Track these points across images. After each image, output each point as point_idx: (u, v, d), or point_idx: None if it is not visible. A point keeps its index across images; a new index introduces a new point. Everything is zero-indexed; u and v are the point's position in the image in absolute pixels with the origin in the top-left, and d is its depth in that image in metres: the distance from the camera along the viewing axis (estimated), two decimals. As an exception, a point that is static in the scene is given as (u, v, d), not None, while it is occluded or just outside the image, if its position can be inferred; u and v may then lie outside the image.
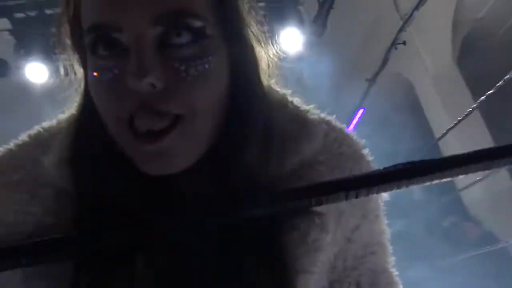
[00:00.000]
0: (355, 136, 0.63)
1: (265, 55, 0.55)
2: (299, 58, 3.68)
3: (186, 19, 0.45)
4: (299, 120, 0.56)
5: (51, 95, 0.64)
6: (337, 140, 0.59)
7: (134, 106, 0.45)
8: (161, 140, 0.45)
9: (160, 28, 0.45)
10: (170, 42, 0.45)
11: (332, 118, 0.62)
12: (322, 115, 0.61)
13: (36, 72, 3.31)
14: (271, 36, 0.56)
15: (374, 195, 0.49)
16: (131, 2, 0.43)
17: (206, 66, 0.46)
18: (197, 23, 0.46)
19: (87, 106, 0.50)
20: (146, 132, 0.45)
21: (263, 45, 0.54)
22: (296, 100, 0.60)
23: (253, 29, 0.53)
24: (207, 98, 0.47)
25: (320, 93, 4.15)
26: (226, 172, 0.50)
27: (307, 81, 4.17)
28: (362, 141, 0.63)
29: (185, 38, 0.45)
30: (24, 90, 3.51)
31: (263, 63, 0.54)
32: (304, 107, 0.60)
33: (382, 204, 0.63)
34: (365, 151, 0.62)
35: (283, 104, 0.57)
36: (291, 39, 3.52)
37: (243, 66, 0.51)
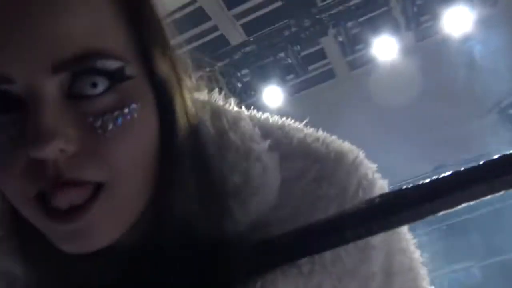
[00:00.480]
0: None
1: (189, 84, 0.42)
2: (469, 38, 3.32)
3: (96, 61, 0.34)
4: (243, 156, 0.41)
5: None
6: (316, 180, 0.43)
7: (41, 179, 0.34)
8: (80, 217, 0.34)
9: (64, 76, 0.34)
10: (79, 92, 0.35)
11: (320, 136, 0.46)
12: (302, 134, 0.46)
13: None
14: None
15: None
16: (22, 44, 0.33)
17: (129, 117, 0.35)
18: (113, 65, 0.35)
19: None
20: (66, 209, 0.35)
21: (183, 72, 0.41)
22: (247, 121, 0.44)
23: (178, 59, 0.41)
24: (133, 157, 0.36)
25: (499, 76, 3.66)
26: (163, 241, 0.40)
27: (480, 63, 3.72)
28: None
29: (98, 85, 0.34)
30: None
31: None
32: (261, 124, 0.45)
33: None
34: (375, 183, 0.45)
35: (222, 137, 0.42)
36: (459, 18, 3.19)
37: (172, 109, 0.39)
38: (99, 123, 0.34)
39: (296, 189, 0.43)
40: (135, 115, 0.35)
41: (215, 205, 0.40)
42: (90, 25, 0.34)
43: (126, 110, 0.35)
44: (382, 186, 0.45)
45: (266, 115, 0.47)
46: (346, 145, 0.46)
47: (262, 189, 0.41)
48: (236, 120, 0.43)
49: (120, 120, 0.35)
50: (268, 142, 0.43)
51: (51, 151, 0.32)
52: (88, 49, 0.34)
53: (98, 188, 0.35)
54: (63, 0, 0.34)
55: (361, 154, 0.46)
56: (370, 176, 0.44)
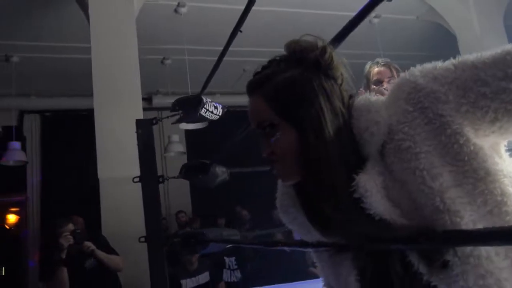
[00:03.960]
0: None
1: (328, 105, 0.80)
2: None
3: (263, 122, 0.83)
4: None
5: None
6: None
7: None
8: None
9: (260, 127, 0.85)
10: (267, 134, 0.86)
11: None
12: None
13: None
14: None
15: None
16: (249, 116, 0.87)
17: (278, 137, 0.82)
18: (268, 122, 0.83)
19: None
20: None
21: (326, 98, 0.81)
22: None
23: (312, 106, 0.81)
24: (282, 152, 0.83)
25: None
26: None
27: None
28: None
29: (267, 129, 0.83)
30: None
31: (327, 114, 0.80)
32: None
33: None
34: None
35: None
36: None
37: (303, 130, 0.81)
38: (272, 141, 0.85)
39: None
40: (280, 137, 0.82)
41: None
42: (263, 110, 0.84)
43: (276, 134, 0.82)
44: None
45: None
46: None
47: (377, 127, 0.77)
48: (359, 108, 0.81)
49: (275, 138, 0.82)
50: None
51: (265, 153, 0.85)
52: (259, 119, 0.84)
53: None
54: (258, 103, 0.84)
55: None
56: None
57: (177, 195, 5.96)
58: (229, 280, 4.55)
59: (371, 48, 4.91)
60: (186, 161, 6.20)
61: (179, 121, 2.27)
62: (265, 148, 0.83)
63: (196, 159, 2.27)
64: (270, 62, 0.86)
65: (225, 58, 1.84)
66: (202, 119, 2.19)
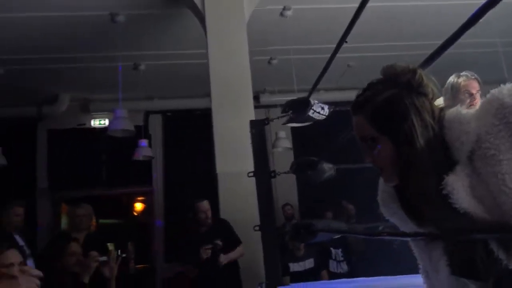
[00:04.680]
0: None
1: (420, 120, 0.97)
2: None
3: (366, 137, 1.02)
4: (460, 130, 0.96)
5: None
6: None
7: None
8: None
9: (363, 141, 1.04)
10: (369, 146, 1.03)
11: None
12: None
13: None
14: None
15: None
16: (354, 131, 1.06)
17: (378, 149, 1.01)
18: (369, 136, 1.02)
19: None
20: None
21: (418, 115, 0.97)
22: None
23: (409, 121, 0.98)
24: (383, 162, 1.02)
25: None
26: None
27: None
28: None
29: (369, 142, 1.02)
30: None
31: (418, 128, 0.96)
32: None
33: None
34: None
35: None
36: None
37: (398, 142, 0.98)
38: (374, 153, 1.04)
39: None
40: (380, 149, 1.00)
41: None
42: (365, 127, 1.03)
43: (376, 148, 1.01)
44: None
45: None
46: None
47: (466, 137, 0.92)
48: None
49: (376, 151, 1.01)
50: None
51: (367, 160, 1.08)
52: (362, 134, 1.04)
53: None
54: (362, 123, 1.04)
55: None
56: None
57: (284, 188, 6.23)
58: (335, 271, 4.73)
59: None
60: (292, 156, 6.43)
61: (289, 121, 2.49)
62: (368, 158, 1.04)
63: (304, 156, 2.47)
64: (369, 85, 1.05)
65: (329, 55, 2.00)
66: (310, 119, 2.39)
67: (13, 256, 2.14)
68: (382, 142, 1.00)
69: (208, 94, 4.08)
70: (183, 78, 6.08)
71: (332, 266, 4.74)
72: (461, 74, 2.37)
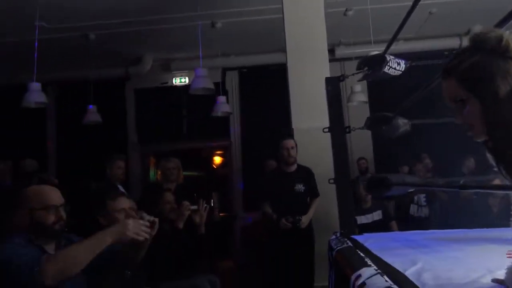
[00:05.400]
0: None
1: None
2: None
3: (455, 98, 1.13)
4: None
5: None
6: None
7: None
8: None
9: (453, 102, 1.15)
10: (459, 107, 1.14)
11: None
12: None
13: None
14: None
15: None
16: (444, 94, 1.16)
17: (467, 109, 1.12)
18: (459, 98, 1.12)
19: None
20: None
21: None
22: None
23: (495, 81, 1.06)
24: (472, 121, 1.12)
25: None
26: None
27: None
28: None
29: (459, 103, 1.13)
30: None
31: (503, 88, 1.05)
32: None
33: None
34: None
35: None
36: None
37: (485, 102, 1.08)
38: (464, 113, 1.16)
39: None
40: (469, 108, 1.11)
41: None
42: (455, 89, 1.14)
43: (466, 107, 1.12)
44: None
45: None
46: None
47: None
48: None
49: (465, 111, 1.13)
50: None
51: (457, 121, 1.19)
52: (450, 95, 1.15)
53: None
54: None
55: None
56: None
57: (360, 142, 6.22)
58: (415, 215, 4.78)
59: None
60: (368, 111, 6.38)
61: (364, 78, 2.52)
62: (458, 118, 1.16)
63: (379, 112, 2.51)
64: (457, 53, 1.16)
65: (409, 3, 1.97)
66: (386, 75, 2.40)
67: (124, 202, 2.47)
68: (470, 103, 1.11)
69: (283, 49, 4.14)
70: (258, 34, 6.15)
71: (413, 209, 4.80)
72: None
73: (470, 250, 1.79)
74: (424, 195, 4.83)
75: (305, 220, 3.68)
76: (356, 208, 4.26)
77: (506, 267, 1.15)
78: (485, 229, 2.56)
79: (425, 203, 4.84)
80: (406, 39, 6.39)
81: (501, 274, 1.20)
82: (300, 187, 3.76)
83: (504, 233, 2.29)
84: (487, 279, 1.24)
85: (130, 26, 5.75)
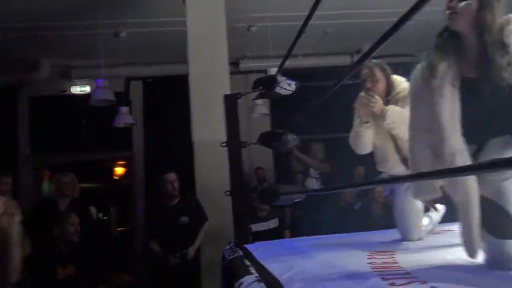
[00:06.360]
0: None
1: None
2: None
3: None
4: None
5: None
6: None
7: None
8: None
9: None
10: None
11: None
12: None
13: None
14: None
15: None
16: None
17: (466, 2, 1.59)
18: None
19: None
20: None
21: None
22: None
23: None
24: (464, 10, 1.58)
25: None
26: None
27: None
28: None
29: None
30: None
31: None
32: None
33: None
34: None
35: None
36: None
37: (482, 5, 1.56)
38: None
39: None
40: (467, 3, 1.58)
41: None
42: None
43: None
44: None
45: None
46: None
47: None
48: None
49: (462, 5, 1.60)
50: None
51: None
52: None
53: None
54: None
55: None
56: None
57: (261, 152, 6.45)
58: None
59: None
60: (269, 122, 6.63)
61: (259, 97, 2.69)
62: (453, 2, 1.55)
63: (271, 129, 2.69)
64: None
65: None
66: (278, 95, 2.59)
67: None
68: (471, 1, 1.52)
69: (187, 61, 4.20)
70: (164, 45, 6.15)
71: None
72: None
73: (339, 254, 2.01)
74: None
75: (191, 251, 3.79)
76: (253, 216, 4.45)
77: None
78: (364, 232, 2.85)
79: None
80: (305, 55, 6.81)
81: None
82: (184, 219, 3.85)
83: (376, 236, 2.59)
84: (343, 276, 1.44)
85: (26, 30, 5.43)
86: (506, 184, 1.45)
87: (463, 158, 1.47)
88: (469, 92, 1.55)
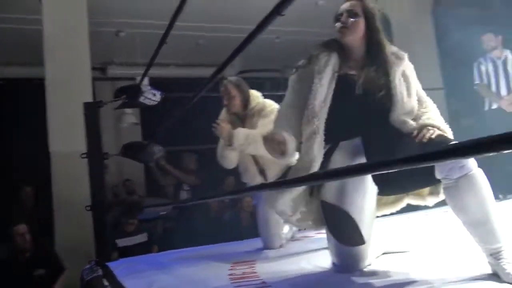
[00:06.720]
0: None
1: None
2: None
3: (351, 11, 1.72)
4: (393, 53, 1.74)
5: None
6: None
7: None
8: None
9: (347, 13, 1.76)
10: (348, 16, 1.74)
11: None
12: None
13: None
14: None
15: None
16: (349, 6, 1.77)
17: (356, 20, 1.71)
18: (354, 11, 1.72)
19: None
20: None
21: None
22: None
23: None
24: (354, 26, 1.72)
25: None
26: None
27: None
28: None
29: (350, 14, 1.73)
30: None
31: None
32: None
33: None
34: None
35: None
36: None
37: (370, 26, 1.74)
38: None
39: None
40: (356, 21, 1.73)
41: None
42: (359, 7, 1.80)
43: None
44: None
45: None
46: None
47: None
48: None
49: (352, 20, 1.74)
50: None
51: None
52: (351, 10, 1.77)
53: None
54: None
55: None
56: None
57: (132, 164, 6.23)
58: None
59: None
60: (139, 131, 6.40)
61: (122, 106, 2.58)
62: (344, 20, 1.70)
63: (135, 141, 2.60)
64: None
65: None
66: (142, 105, 2.51)
67: None
68: (359, 19, 1.69)
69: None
70: (20, 44, 5.57)
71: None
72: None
73: (202, 267, 2.02)
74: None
75: None
76: (120, 231, 4.22)
77: None
78: (232, 242, 2.91)
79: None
80: (177, 65, 6.76)
81: None
82: (40, 271, 3.52)
83: (242, 245, 2.65)
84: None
85: None
86: (347, 187, 1.56)
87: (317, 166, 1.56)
88: (345, 88, 1.66)
